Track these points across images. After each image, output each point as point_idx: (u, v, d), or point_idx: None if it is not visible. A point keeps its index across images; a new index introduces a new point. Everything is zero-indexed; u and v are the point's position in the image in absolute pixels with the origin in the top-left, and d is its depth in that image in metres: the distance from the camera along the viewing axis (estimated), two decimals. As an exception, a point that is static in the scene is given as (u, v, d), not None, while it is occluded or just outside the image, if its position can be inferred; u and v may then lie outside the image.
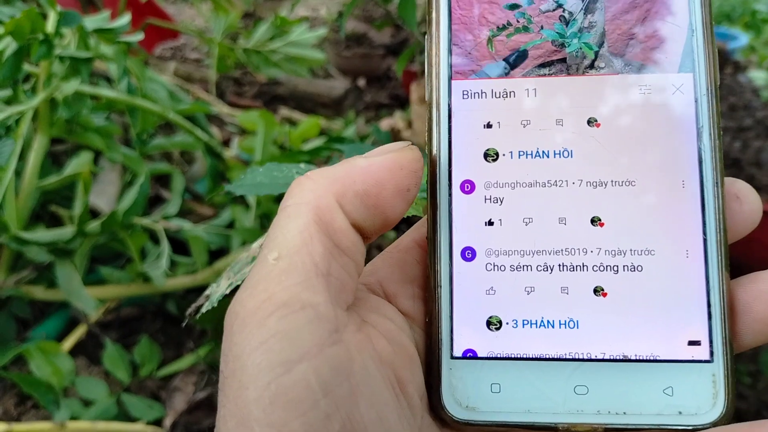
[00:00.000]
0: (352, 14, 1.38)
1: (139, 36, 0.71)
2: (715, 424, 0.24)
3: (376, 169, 0.23)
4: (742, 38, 1.34)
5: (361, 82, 1.30)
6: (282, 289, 0.21)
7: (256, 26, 1.02)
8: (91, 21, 0.68)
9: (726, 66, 1.02)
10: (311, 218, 0.22)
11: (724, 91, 0.94)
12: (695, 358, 0.24)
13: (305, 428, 0.19)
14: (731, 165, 0.80)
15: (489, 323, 0.25)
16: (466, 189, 0.26)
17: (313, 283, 0.21)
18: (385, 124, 0.92)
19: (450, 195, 0.26)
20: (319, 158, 0.70)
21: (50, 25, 0.62)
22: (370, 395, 0.21)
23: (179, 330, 0.76)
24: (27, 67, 0.66)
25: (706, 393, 0.24)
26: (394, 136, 0.92)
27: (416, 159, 0.24)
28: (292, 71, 1.02)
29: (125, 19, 0.69)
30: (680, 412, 0.24)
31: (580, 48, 0.26)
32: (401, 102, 1.21)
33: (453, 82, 0.26)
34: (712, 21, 0.26)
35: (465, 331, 0.25)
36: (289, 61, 1.01)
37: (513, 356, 0.25)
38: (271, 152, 0.82)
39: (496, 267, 0.26)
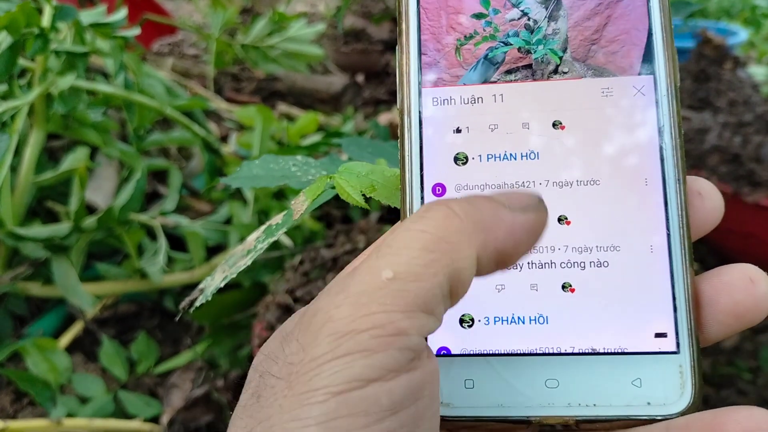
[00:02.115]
0: (350, 10, 1.37)
1: (135, 31, 0.71)
2: (683, 414, 0.24)
3: (520, 231, 0.22)
4: (741, 34, 1.34)
5: (360, 78, 1.30)
6: (384, 312, 0.20)
7: (254, 22, 1.02)
8: (87, 15, 0.67)
9: (725, 61, 1.02)
10: (445, 261, 0.21)
11: (723, 87, 0.94)
12: (662, 350, 0.25)
13: None
14: (731, 160, 0.80)
15: (462, 321, 0.26)
16: (437, 192, 0.27)
17: (416, 316, 0.20)
18: (384, 118, 0.92)
19: (422, 198, 0.27)
20: (317, 153, 0.69)
21: (46, 20, 0.62)
22: (430, 419, 0.21)
23: (177, 326, 0.76)
24: (22, 62, 0.65)
25: (674, 384, 0.25)
26: (393, 130, 0.91)
27: (545, 223, 0.23)
28: (291, 67, 1.01)
29: (121, 13, 0.68)
30: (649, 403, 0.25)
31: (546, 54, 0.27)
32: (400, 98, 1.20)
33: (423, 89, 0.27)
34: (671, 25, 0.27)
35: (439, 330, 0.26)
36: (288, 56, 1.00)
37: (485, 353, 0.26)
38: (269, 148, 0.82)
39: None
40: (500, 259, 0.22)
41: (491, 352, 0.26)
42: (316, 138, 0.88)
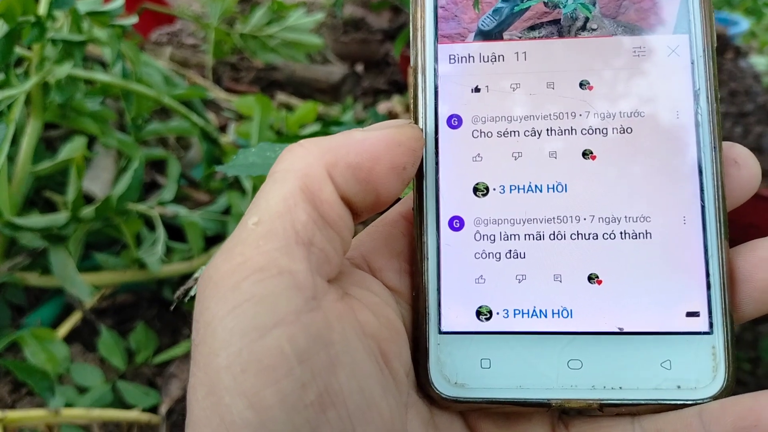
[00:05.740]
0: (350, -1, 1.37)
1: (133, 19, 0.70)
2: (715, 398, 0.23)
3: (372, 143, 0.22)
4: (742, 24, 1.33)
5: (359, 68, 1.29)
6: (259, 254, 0.20)
7: (253, 11, 1.01)
8: (84, 4, 0.66)
9: (727, 51, 1.01)
10: (297, 185, 0.21)
11: (724, 77, 0.93)
12: (694, 330, 0.23)
13: (279, 397, 0.18)
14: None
15: (479, 313, 0.25)
16: (453, 124, 0.25)
17: (292, 249, 0.20)
18: (383, 107, 0.91)
19: (437, 163, 0.25)
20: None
21: (42, 8, 0.61)
22: (350, 366, 0.20)
23: (175, 316, 0.75)
24: (19, 51, 0.65)
25: (706, 366, 0.23)
26: (392, 119, 0.91)
27: (416, 137, 0.23)
28: (290, 56, 1.01)
29: (119, 2, 0.68)
30: (679, 386, 0.23)
31: (575, 9, 0.25)
32: (399, 88, 1.20)
33: (439, 45, 0.25)
34: None
35: (454, 310, 0.24)
36: (287, 46, 1.00)
37: (503, 330, 0.24)
38: (268, 137, 0.81)
39: (485, 237, 0.25)
40: (361, 175, 0.22)
41: (510, 330, 0.24)
42: (315, 128, 0.88)
